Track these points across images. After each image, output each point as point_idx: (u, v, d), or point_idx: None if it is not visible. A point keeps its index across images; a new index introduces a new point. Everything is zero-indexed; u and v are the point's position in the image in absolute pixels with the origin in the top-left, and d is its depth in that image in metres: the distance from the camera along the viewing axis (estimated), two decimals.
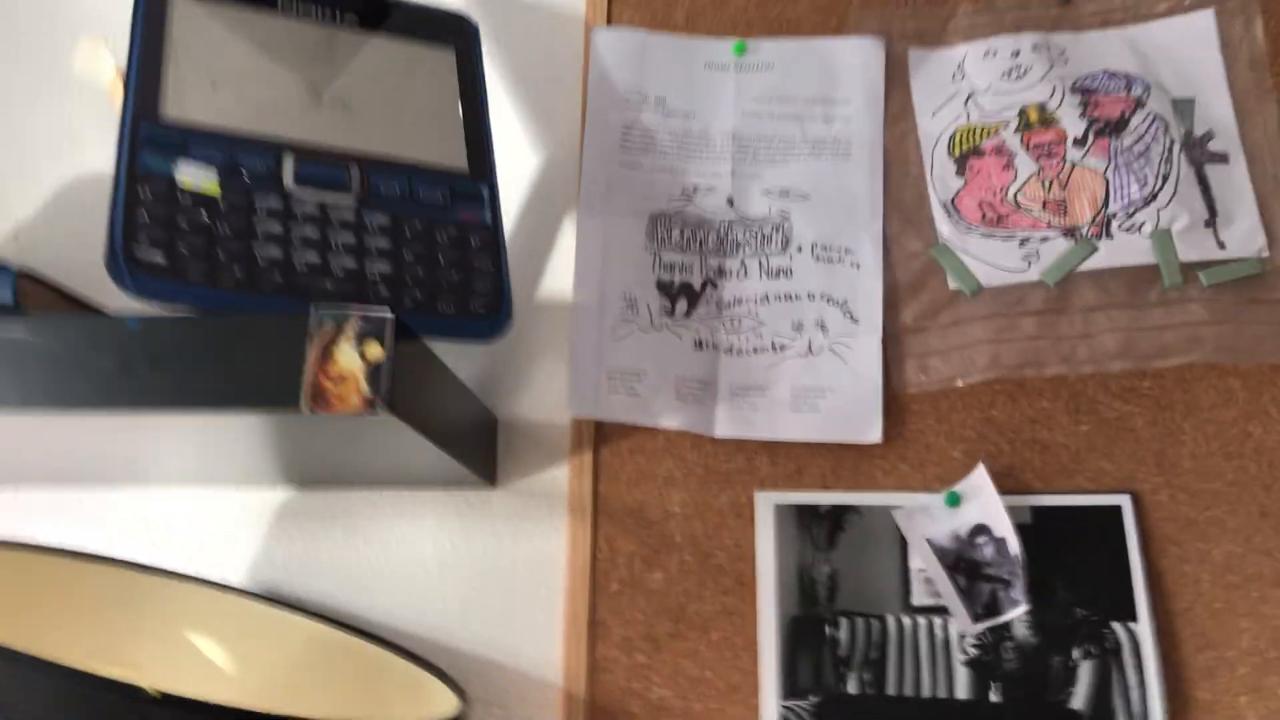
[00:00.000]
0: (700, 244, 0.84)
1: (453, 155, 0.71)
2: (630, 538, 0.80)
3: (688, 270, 0.84)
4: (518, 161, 0.89)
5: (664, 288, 0.83)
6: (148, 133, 0.62)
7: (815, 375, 0.81)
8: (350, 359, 0.57)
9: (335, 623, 0.75)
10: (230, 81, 0.67)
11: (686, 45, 0.89)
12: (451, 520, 0.81)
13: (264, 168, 0.64)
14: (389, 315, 0.57)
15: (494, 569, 0.80)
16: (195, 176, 0.62)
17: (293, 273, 0.61)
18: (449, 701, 0.67)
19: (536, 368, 0.84)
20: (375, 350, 0.57)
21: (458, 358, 0.82)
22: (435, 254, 0.66)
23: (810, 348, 0.82)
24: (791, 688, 0.76)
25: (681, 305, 0.83)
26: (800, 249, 0.84)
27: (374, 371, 0.57)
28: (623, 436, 0.82)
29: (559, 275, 0.86)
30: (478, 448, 0.79)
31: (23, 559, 0.71)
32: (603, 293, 0.82)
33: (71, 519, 0.82)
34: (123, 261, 0.58)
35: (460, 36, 0.76)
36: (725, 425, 0.81)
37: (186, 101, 0.65)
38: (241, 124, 0.65)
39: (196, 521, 0.82)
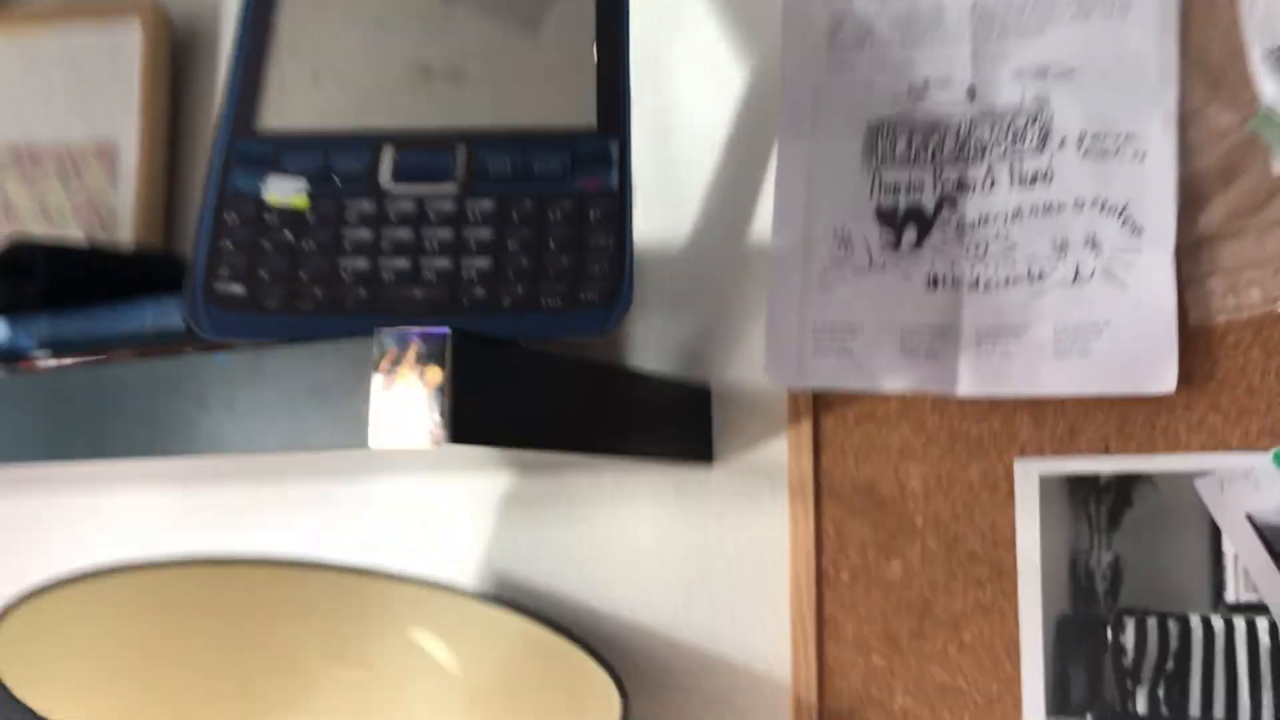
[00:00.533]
0: (933, 154, 0.68)
1: (579, 111, 0.61)
2: (861, 520, 0.68)
3: (917, 189, 0.68)
4: (712, 84, 0.76)
5: (886, 216, 0.68)
6: (241, 150, 0.59)
7: (1086, 308, 0.63)
8: (414, 387, 0.51)
9: (544, 621, 0.70)
10: (334, 73, 0.62)
11: None
12: (670, 501, 0.73)
13: (359, 167, 0.59)
14: (446, 333, 0.50)
15: (715, 554, 0.72)
16: (284, 190, 0.58)
17: (379, 285, 0.55)
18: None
19: (751, 326, 0.73)
20: (435, 375, 0.50)
21: (662, 323, 0.74)
22: (544, 237, 0.57)
23: (1078, 273, 0.63)
24: (1062, 702, 0.61)
25: (910, 234, 0.67)
26: (1063, 143, 0.65)
27: (435, 398, 0.50)
28: (847, 402, 0.69)
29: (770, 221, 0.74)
30: (678, 428, 0.70)
31: (259, 572, 0.74)
32: (807, 232, 0.69)
33: (304, 516, 0.84)
34: (200, 299, 0.55)
35: None
36: (971, 381, 0.65)
37: (286, 106, 0.61)
38: (340, 120, 0.60)
39: (426, 511, 0.81)
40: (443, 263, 0.57)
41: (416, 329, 0.51)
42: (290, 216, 0.57)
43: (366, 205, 0.58)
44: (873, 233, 0.68)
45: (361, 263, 0.56)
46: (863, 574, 0.67)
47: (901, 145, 0.68)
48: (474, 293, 0.56)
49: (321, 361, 0.53)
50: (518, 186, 0.58)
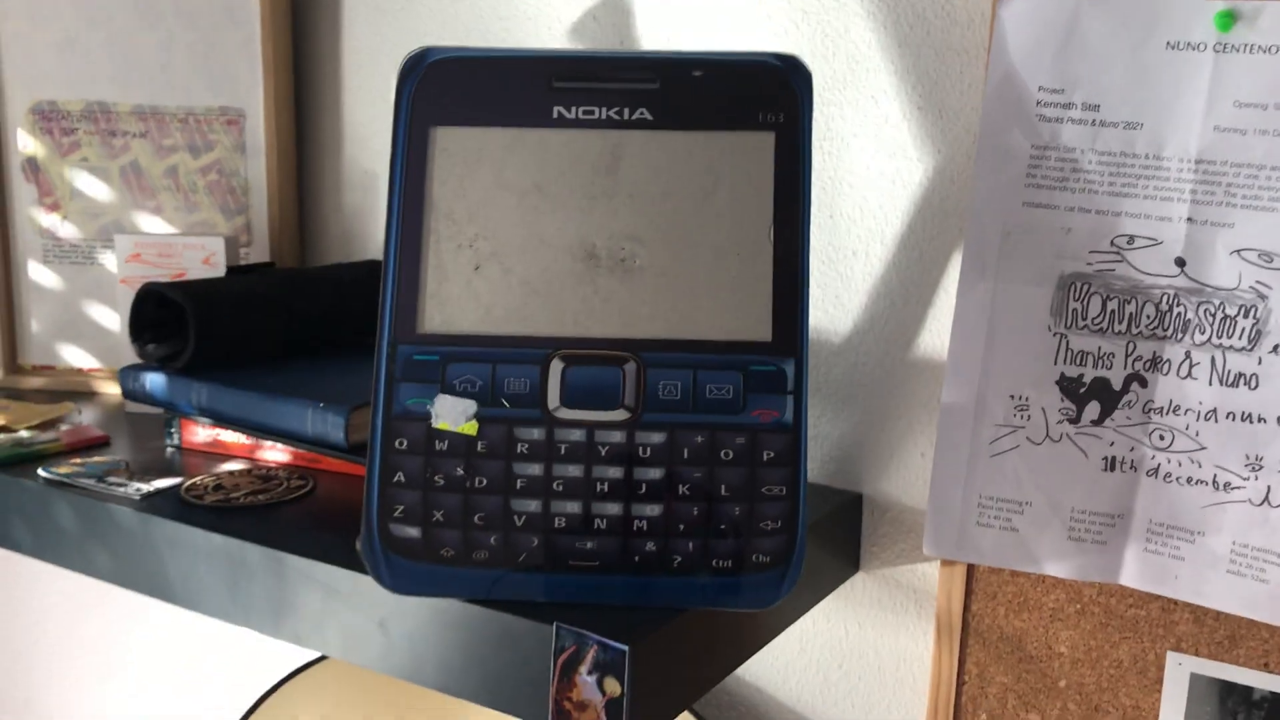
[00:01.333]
0: (1129, 321, 0.63)
1: (751, 319, 0.57)
2: (1004, 669, 0.69)
3: (1106, 361, 0.63)
4: (889, 168, 0.70)
5: (1070, 386, 0.64)
6: (405, 359, 0.57)
7: (1269, 535, 0.60)
8: (589, 690, 0.52)
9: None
10: (495, 259, 0.58)
11: (1142, 10, 0.61)
12: None
13: (527, 387, 0.56)
14: (625, 650, 0.51)
15: (856, 658, 0.74)
16: (453, 416, 0.56)
17: (551, 532, 0.55)
18: None
19: (910, 440, 0.71)
20: (614, 687, 0.52)
21: (815, 417, 0.73)
22: (715, 481, 0.55)
23: (1268, 497, 0.60)
24: None
25: (1092, 410, 0.64)
26: (1277, 349, 0.59)
27: (612, 708, 0.52)
28: None
29: (941, 334, 0.70)
30: (826, 558, 0.70)
31: None
32: (982, 391, 0.65)
33: None
34: (378, 545, 0.55)
35: (783, 106, 0.58)
36: (1136, 575, 0.64)
37: (447, 299, 0.57)
38: (506, 323, 0.57)
39: None
40: (612, 508, 0.56)
41: (595, 636, 0.52)
42: (460, 444, 0.56)
43: (536, 434, 0.56)
44: (1052, 402, 0.64)
45: (533, 506, 0.56)
46: (1000, 719, 0.69)
47: (1094, 308, 0.63)
48: (644, 548, 0.55)
49: (498, 628, 0.54)
50: (688, 416, 0.56)
